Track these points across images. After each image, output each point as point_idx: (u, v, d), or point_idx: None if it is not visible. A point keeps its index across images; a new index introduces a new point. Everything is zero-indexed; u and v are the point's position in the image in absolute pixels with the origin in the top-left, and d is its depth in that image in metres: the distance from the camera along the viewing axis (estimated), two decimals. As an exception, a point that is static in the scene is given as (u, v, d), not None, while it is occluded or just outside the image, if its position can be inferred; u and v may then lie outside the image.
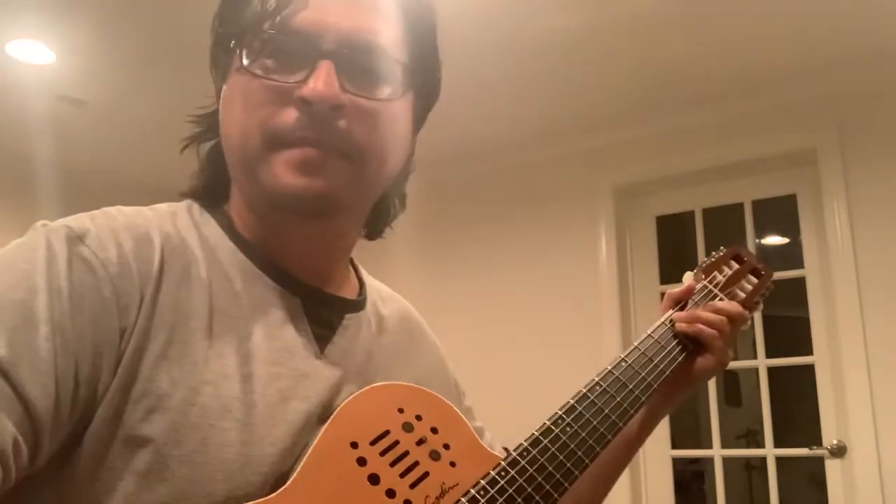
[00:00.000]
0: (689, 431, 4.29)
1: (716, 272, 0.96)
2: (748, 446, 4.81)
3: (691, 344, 0.87)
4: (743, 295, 0.95)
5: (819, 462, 2.83)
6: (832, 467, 2.79)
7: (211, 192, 0.76)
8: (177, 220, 0.71)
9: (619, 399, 0.78)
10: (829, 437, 2.81)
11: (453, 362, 0.92)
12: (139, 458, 0.59)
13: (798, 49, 2.73)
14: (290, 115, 0.66)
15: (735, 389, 5.02)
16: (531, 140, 3.45)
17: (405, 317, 0.87)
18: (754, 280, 0.97)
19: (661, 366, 0.84)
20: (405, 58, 0.71)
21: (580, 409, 0.76)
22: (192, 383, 0.62)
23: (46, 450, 0.57)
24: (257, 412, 0.64)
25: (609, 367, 0.81)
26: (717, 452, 3.11)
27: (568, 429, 0.74)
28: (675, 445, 3.22)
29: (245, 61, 0.68)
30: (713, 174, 3.20)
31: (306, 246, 0.73)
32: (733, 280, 0.95)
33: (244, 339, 0.67)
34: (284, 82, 0.67)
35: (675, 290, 0.94)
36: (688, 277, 0.96)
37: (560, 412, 0.76)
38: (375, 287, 0.86)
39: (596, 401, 0.77)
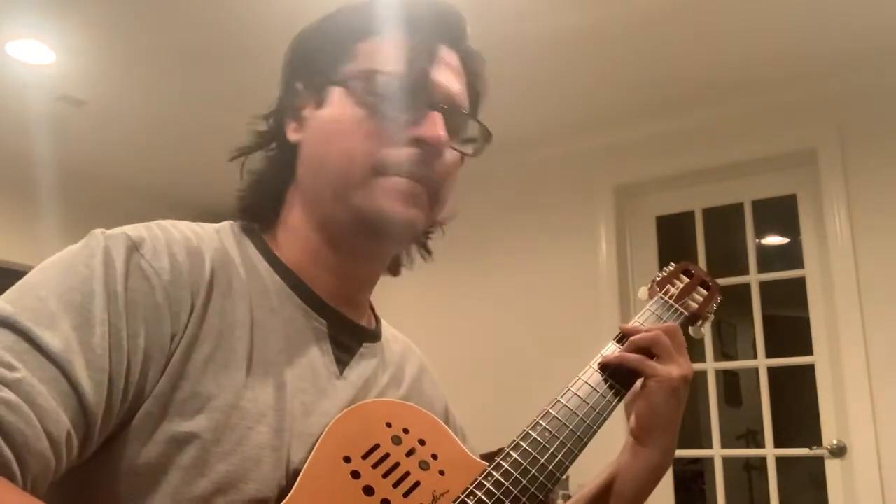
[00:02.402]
0: (689, 431, 4.28)
1: (668, 286, 1.01)
2: (748, 446, 4.81)
3: (632, 376, 0.87)
4: (696, 306, 1.00)
5: (819, 462, 2.83)
6: (832, 467, 2.79)
7: (257, 210, 0.82)
8: (222, 237, 0.76)
9: (591, 404, 0.82)
10: (829, 437, 2.81)
11: (449, 363, 0.93)
12: (185, 453, 0.63)
13: (798, 49, 2.73)
14: (402, 150, 0.75)
15: (735, 389, 5.02)
16: (531, 140, 3.45)
17: (413, 357, 0.93)
18: (704, 292, 1.03)
19: (608, 399, 0.84)
20: (479, 126, 0.83)
21: (555, 414, 0.80)
22: (235, 387, 0.67)
23: (94, 443, 0.61)
24: (287, 421, 0.69)
25: (569, 387, 0.84)
26: (717, 452, 3.11)
27: (546, 433, 0.78)
28: (675, 445, 3.22)
29: (366, 96, 0.75)
30: (713, 174, 3.20)
31: (350, 272, 0.80)
32: (685, 292, 1.01)
33: (278, 352, 0.72)
34: (399, 120, 0.75)
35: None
36: (643, 292, 1.02)
37: (537, 418, 0.79)
38: (388, 327, 0.92)
39: (569, 405, 0.81)
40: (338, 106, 0.77)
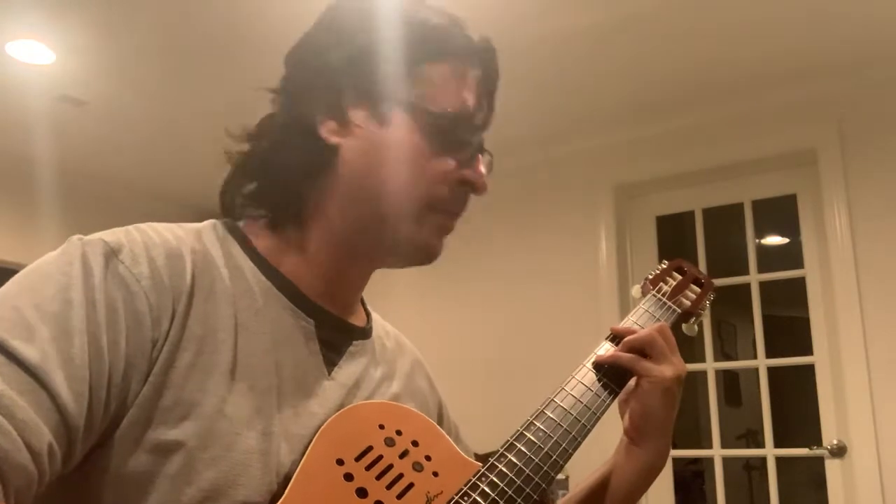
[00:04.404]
0: (689, 431, 4.29)
1: (661, 283, 1.01)
2: (748, 446, 4.81)
3: (626, 375, 0.87)
4: (689, 303, 1.01)
5: (819, 462, 2.83)
6: (832, 467, 2.79)
7: (273, 202, 0.79)
8: (203, 238, 0.74)
9: (585, 403, 0.82)
10: (829, 437, 2.80)
11: (449, 362, 0.93)
12: (172, 461, 0.62)
13: (798, 49, 2.73)
14: (455, 190, 0.77)
15: (735, 389, 5.02)
16: (531, 140, 3.45)
17: (405, 352, 0.92)
18: (697, 289, 1.03)
19: (599, 398, 0.84)
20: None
21: (549, 414, 0.80)
22: (220, 393, 0.66)
23: (78, 453, 0.60)
24: (275, 424, 0.68)
25: (563, 386, 0.84)
26: (717, 452, 3.11)
27: (541, 433, 0.78)
28: (675, 445, 3.21)
29: (434, 130, 0.75)
30: (713, 174, 3.20)
31: (350, 277, 0.80)
32: (678, 290, 1.01)
33: (264, 355, 0.71)
34: (456, 158, 0.76)
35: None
36: (636, 290, 1.03)
37: (531, 418, 0.79)
38: (380, 322, 0.90)
39: (563, 405, 0.81)
40: (402, 130, 0.74)
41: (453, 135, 0.76)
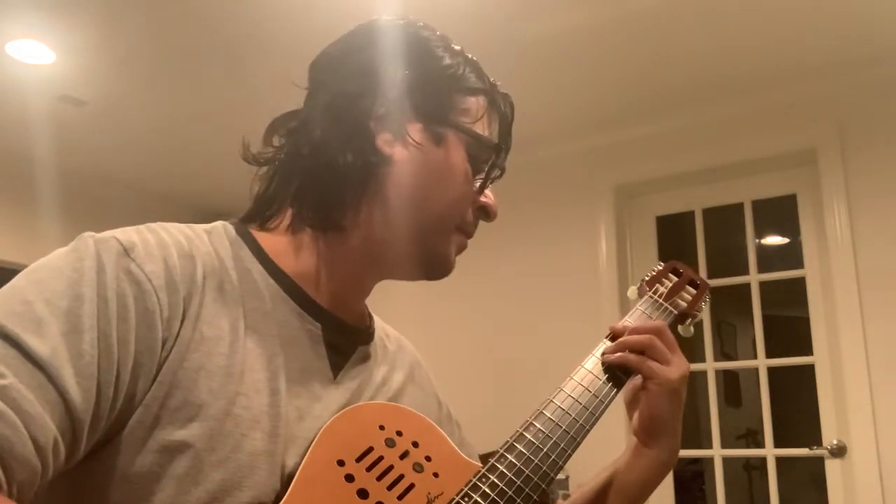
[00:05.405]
0: (689, 431, 4.27)
1: (657, 285, 1.03)
2: (748, 446, 4.81)
3: (624, 376, 0.88)
4: (685, 304, 1.02)
5: (819, 462, 2.84)
6: (832, 467, 2.79)
7: (262, 213, 0.80)
8: (214, 240, 0.75)
9: (583, 404, 0.83)
10: (829, 437, 2.81)
11: (450, 362, 0.94)
12: (179, 462, 0.62)
13: (798, 49, 2.73)
14: (475, 214, 0.82)
15: (735, 389, 5.02)
16: (531, 140, 3.45)
17: (405, 353, 0.93)
18: (693, 291, 1.04)
19: (601, 396, 0.85)
20: None
21: (548, 415, 0.80)
22: (228, 394, 0.66)
23: (82, 449, 0.60)
24: (281, 426, 0.69)
25: (561, 387, 0.85)
26: (717, 452, 3.11)
27: (540, 434, 0.78)
28: (675, 445, 3.21)
29: (477, 158, 0.80)
30: (713, 174, 3.20)
31: (364, 286, 0.82)
32: (674, 291, 1.02)
33: (272, 357, 0.71)
34: (478, 185, 0.81)
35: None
36: (632, 292, 1.04)
37: (530, 419, 0.80)
38: (381, 324, 0.91)
39: (562, 406, 0.82)
40: (454, 153, 0.78)
41: (490, 162, 0.81)
